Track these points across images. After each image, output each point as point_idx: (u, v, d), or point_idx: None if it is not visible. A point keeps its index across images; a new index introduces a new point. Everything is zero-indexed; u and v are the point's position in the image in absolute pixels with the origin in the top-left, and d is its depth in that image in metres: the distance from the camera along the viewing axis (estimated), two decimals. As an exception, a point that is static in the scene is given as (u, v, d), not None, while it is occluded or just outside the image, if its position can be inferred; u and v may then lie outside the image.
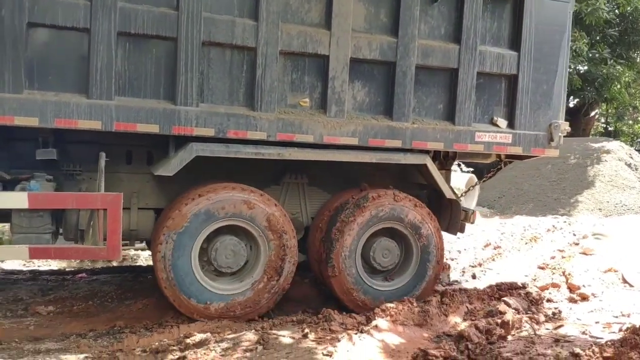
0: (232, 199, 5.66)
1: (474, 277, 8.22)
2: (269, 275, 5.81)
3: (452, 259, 9.31)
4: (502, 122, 6.42)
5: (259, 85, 5.57)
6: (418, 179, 6.87)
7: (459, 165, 16.67)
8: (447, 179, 6.97)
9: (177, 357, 4.47)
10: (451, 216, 6.71)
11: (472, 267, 8.77)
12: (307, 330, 5.04)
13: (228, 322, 5.58)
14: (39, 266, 8.49)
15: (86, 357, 4.55)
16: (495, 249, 9.41)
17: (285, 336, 4.95)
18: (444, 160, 6.95)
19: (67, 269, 8.31)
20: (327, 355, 4.50)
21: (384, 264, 6.25)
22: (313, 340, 4.87)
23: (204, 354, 4.46)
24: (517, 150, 6.49)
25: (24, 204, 5.04)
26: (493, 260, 8.96)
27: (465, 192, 7.35)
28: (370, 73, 6.00)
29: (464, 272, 8.58)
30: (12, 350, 4.84)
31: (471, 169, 16.55)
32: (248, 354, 4.53)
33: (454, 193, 6.94)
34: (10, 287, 7.07)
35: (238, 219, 5.70)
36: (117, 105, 5.21)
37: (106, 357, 4.53)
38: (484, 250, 9.50)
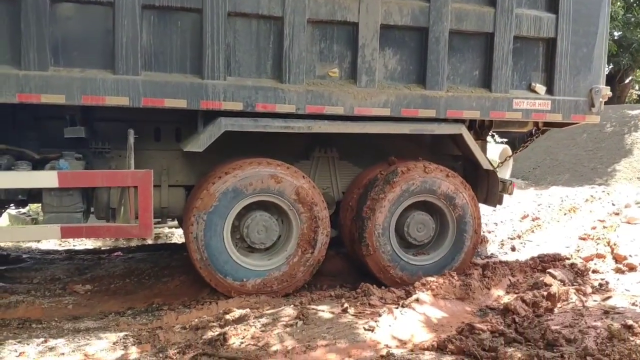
0: (259, 175, 5.55)
1: (513, 249, 8.00)
2: (303, 248, 5.72)
3: (490, 232, 9.07)
4: (541, 88, 6.15)
5: (287, 56, 5.40)
6: (452, 150, 6.66)
7: (492, 136, 16.32)
8: (483, 150, 6.73)
9: (217, 333, 4.41)
10: (488, 188, 6.50)
11: (511, 239, 8.52)
12: (346, 305, 4.94)
13: (266, 298, 5.52)
14: (74, 245, 8.56)
15: (126, 335, 4.53)
16: (533, 220, 9.11)
17: (325, 311, 4.86)
18: (479, 130, 6.70)
19: (102, 248, 8.37)
20: (369, 330, 4.39)
21: (419, 238, 6.09)
22: (353, 315, 4.79)
23: (244, 329, 4.42)
24: (557, 117, 6.22)
25: (54, 183, 4.99)
26: (532, 232, 8.66)
27: (502, 162, 7.09)
28: (402, 40, 5.77)
29: (502, 244, 8.35)
30: (52, 330, 4.86)
31: (505, 140, 16.24)
32: (288, 329, 4.44)
33: (491, 164, 6.72)
34: (47, 266, 7.13)
35: (267, 194, 5.60)
36: (143, 80, 5.12)
37: (146, 334, 4.51)
38: (522, 222, 9.22)
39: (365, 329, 4.41)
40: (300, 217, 5.67)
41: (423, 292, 5.15)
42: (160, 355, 4.06)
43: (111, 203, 5.69)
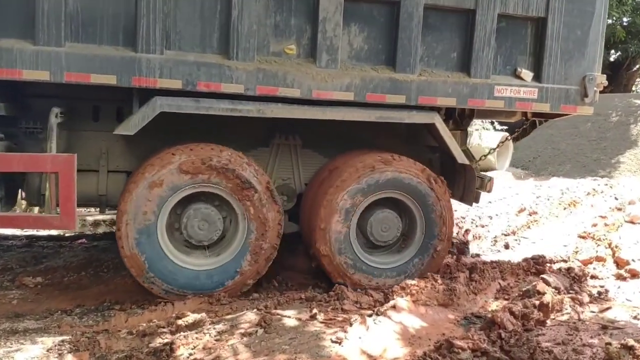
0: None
1: (507, 247, 7.42)
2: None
3: (483, 226, 8.48)
4: (527, 74, 5.47)
5: (235, 29, 4.75)
6: (430, 141, 5.99)
7: (492, 123, 15.59)
8: (462, 141, 6.09)
9: (165, 341, 3.95)
10: (465, 184, 5.85)
11: (505, 235, 7.94)
12: (315, 310, 4.46)
13: (228, 300, 4.98)
14: (37, 231, 7.89)
15: (63, 340, 4.02)
16: (530, 214, 8.48)
17: (291, 317, 4.38)
18: (459, 119, 6.04)
19: (66, 235, 7.76)
20: (336, 342, 3.83)
21: (383, 239, 5.46)
22: (322, 322, 4.31)
23: (196, 337, 3.97)
24: (544, 107, 5.55)
25: (-35, 167, 4.40)
26: (528, 227, 8.08)
27: (485, 156, 6.43)
28: (370, 14, 5.09)
29: (495, 241, 7.77)
30: None
31: (505, 127, 15.48)
32: (246, 339, 3.92)
33: (469, 157, 6.08)
34: (2, 254, 6.55)
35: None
36: (67, 52, 4.49)
37: (85, 340, 4.00)
38: (518, 216, 8.59)
39: (332, 341, 3.86)
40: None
41: (402, 297, 4.61)
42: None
43: (42, 189, 5.11)
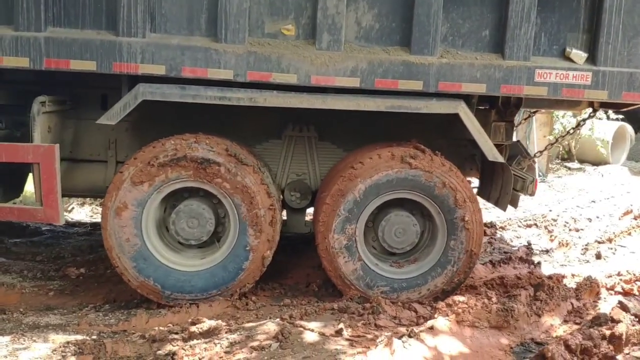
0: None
1: (598, 256, 6.45)
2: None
3: (577, 230, 7.52)
4: (579, 56, 4.54)
5: (223, 8, 4.30)
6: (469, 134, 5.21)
7: (605, 112, 13.92)
8: (507, 134, 5.21)
9: (169, 349, 3.69)
10: (502, 185, 5.00)
11: (599, 242, 6.95)
12: (342, 325, 3.98)
13: (255, 306, 4.62)
14: None
15: (68, 342, 3.87)
16: (635, 218, 7.38)
17: (314, 330, 3.93)
18: (503, 108, 5.18)
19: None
20: None
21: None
22: (347, 340, 3.82)
23: (205, 348, 3.65)
24: (600, 95, 4.58)
25: (-52, 156, 4.34)
26: (629, 234, 7.07)
27: (541, 152, 5.51)
28: (381, -13, 4.43)
29: (586, 249, 6.81)
30: (8, 323, 4.35)
31: (621, 117, 13.78)
32: (255, 354, 3.56)
33: (520, 152, 5.25)
34: (60, 242, 6.62)
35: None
36: (47, 37, 4.28)
37: (91, 343, 3.82)
38: (622, 220, 7.55)
39: None
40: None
41: (445, 316, 3.99)
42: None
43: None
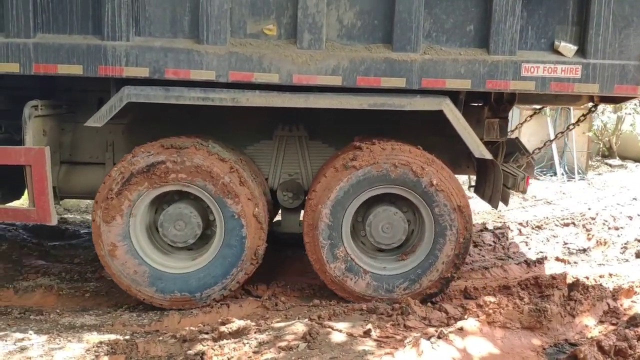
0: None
1: (638, 255, 6.27)
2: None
3: (616, 229, 7.33)
4: (568, 49, 4.42)
5: (204, 10, 4.35)
6: None
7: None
8: (501, 131, 5.11)
9: (199, 349, 3.71)
10: (493, 182, 4.90)
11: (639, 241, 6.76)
12: (370, 326, 3.95)
13: (285, 306, 4.65)
14: None
15: (101, 342, 3.95)
16: None
17: (342, 331, 3.92)
18: (496, 104, 5.08)
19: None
20: None
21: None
22: (375, 341, 3.80)
23: (234, 348, 3.66)
24: (591, 89, 4.45)
25: (-55, 159, 4.51)
26: None
27: (539, 149, 5.38)
28: (361, -14, 4.41)
29: (625, 248, 6.63)
30: (45, 323, 4.45)
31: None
32: (283, 354, 3.57)
33: (518, 149, 5.14)
34: None
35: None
36: (36, 43, 4.41)
37: (123, 343, 3.89)
38: None
39: None
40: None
41: (475, 317, 3.96)
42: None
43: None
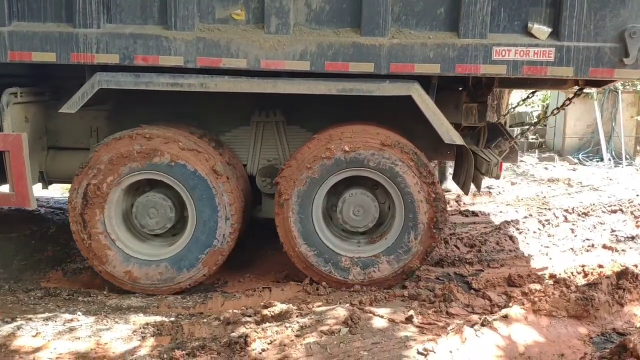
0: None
1: None
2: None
3: None
4: (541, 31, 4.30)
5: (172, -4, 4.38)
6: (451, 115, 5.05)
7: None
8: (479, 115, 5.03)
9: (242, 331, 3.73)
10: (462, 168, 4.83)
11: None
12: (412, 312, 3.92)
13: (326, 291, 4.67)
14: None
15: (147, 323, 4.01)
16: None
17: (384, 317, 3.90)
18: (474, 89, 4.99)
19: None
20: (422, 353, 3.35)
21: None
22: (417, 327, 3.78)
23: (276, 331, 3.68)
24: (565, 72, 4.33)
25: None
26: None
27: (521, 134, 5.27)
28: (329, -32, 4.37)
29: None
30: (93, 305, 4.55)
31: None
32: (325, 338, 3.57)
33: (503, 134, 5.04)
34: None
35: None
36: (11, 31, 4.50)
37: (169, 324, 3.96)
38: None
39: (418, 352, 3.36)
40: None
41: (520, 305, 3.93)
42: (166, 356, 3.48)
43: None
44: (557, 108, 5.31)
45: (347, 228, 4.77)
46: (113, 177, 4.62)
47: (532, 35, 4.33)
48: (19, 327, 3.81)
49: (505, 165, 9.93)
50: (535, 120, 14.10)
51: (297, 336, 3.58)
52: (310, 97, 4.66)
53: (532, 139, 14.49)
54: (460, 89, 5.08)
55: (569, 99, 5.26)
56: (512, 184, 9.49)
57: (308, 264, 4.70)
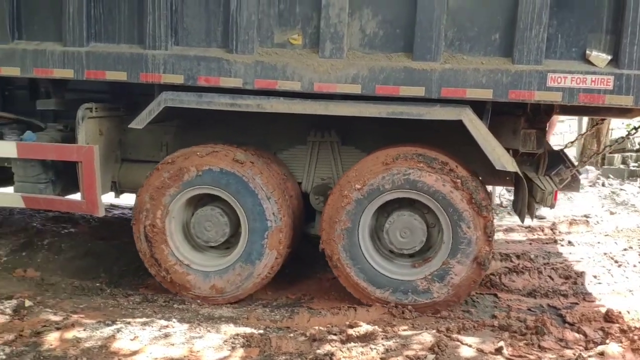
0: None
1: None
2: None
3: None
4: (601, 58, 4.19)
5: (234, 20, 4.61)
6: (510, 141, 5.00)
7: None
8: (538, 142, 4.91)
9: (332, 350, 3.78)
10: (519, 196, 4.74)
11: None
12: (502, 343, 3.84)
13: (412, 315, 4.65)
14: None
15: (237, 334, 4.12)
16: None
17: (472, 346, 3.85)
18: (532, 115, 4.91)
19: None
20: None
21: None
22: (507, 359, 3.74)
23: (361, 352, 3.71)
24: (625, 101, 4.18)
25: (14, 153, 5.11)
26: None
27: (584, 162, 5.11)
28: (385, -5, 4.47)
29: None
30: (187, 313, 4.72)
31: None
32: None
33: (564, 162, 4.93)
34: None
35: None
36: (88, 51, 4.89)
37: (258, 336, 4.06)
38: None
39: None
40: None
41: (618, 342, 3.86)
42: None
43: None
44: (635, 128, 5.08)
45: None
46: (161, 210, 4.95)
47: (590, 63, 4.23)
48: (118, 330, 4.00)
49: (603, 192, 9.52)
50: (638, 147, 13.43)
51: (382, 359, 3.58)
52: (365, 119, 4.74)
53: (634, 166, 13.79)
54: (519, 114, 5.00)
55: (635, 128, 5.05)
56: (612, 213, 8.97)
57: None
